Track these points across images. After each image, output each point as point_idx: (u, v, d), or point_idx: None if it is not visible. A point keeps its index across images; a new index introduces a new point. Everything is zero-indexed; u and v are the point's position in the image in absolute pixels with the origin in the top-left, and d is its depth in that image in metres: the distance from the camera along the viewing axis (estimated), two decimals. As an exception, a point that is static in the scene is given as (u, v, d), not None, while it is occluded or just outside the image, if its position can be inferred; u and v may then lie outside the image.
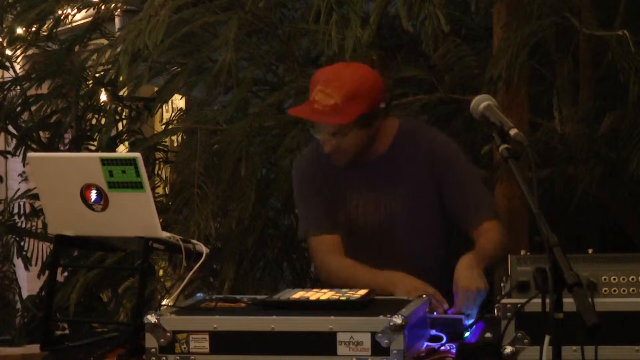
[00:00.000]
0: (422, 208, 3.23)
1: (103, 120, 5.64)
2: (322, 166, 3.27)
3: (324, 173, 3.27)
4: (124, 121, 5.74)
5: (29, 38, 5.43)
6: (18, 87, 5.60)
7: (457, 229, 3.39)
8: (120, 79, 4.63)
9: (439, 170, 3.22)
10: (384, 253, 3.22)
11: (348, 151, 3.15)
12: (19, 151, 5.75)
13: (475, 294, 2.97)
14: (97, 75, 5.28)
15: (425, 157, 3.22)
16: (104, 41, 5.39)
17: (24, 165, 5.83)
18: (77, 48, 5.45)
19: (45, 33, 5.44)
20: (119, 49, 4.47)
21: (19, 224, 5.88)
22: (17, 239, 5.85)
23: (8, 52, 5.64)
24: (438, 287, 3.09)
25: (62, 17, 5.32)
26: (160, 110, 5.41)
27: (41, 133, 5.80)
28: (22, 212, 5.89)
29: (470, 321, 2.87)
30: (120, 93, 5.39)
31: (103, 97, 5.64)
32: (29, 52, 5.81)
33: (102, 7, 5.15)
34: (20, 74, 5.74)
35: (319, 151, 3.26)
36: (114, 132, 5.67)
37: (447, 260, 3.28)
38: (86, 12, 5.39)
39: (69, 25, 5.49)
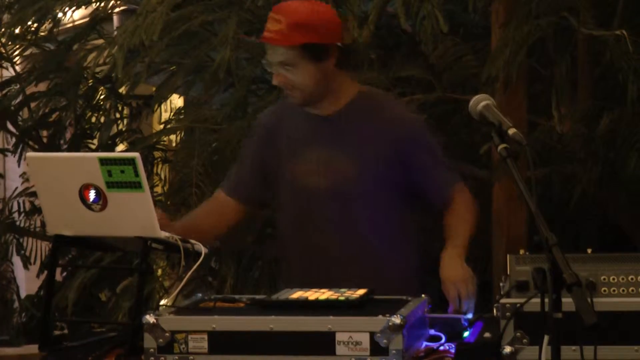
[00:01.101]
0: (375, 172, 3.15)
1: (102, 119, 5.64)
2: (280, 120, 3.25)
3: (280, 127, 3.24)
4: (125, 120, 5.73)
5: (27, 37, 5.44)
6: (17, 85, 5.59)
7: (424, 203, 3.26)
8: (114, 74, 4.62)
9: (402, 141, 3.14)
10: (329, 216, 3.16)
11: (300, 86, 3.10)
12: (18, 150, 5.75)
13: (464, 286, 2.95)
14: (96, 74, 5.28)
15: (388, 123, 3.15)
16: (103, 42, 5.39)
17: (19, 165, 5.83)
18: (75, 47, 5.44)
19: (43, 33, 5.44)
20: (115, 47, 4.47)
21: (19, 222, 5.88)
22: (16, 237, 5.85)
23: (7, 49, 5.64)
24: (386, 262, 3.11)
25: (60, 16, 5.31)
26: (159, 109, 5.41)
27: (40, 132, 5.79)
28: (21, 210, 5.89)
29: (470, 315, 2.86)
30: (120, 90, 5.39)
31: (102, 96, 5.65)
32: (28, 51, 5.81)
33: (101, 6, 5.15)
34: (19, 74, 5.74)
35: (279, 106, 3.29)
36: (114, 131, 5.67)
37: (402, 233, 3.23)
38: (85, 9, 5.39)
39: (69, 25, 5.49)
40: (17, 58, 5.75)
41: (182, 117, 5.26)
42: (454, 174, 3.23)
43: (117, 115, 5.66)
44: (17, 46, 5.58)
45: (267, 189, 3.28)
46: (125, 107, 5.67)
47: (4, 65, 5.75)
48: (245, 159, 3.32)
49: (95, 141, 5.73)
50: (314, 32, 3.07)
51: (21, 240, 5.88)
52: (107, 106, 5.61)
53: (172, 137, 5.63)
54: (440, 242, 3.15)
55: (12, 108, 5.65)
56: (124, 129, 5.74)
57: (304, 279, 3.06)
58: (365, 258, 3.15)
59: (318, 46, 3.08)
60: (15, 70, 5.74)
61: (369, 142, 3.14)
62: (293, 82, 3.10)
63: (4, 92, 5.70)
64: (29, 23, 5.32)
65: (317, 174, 3.16)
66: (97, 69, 5.16)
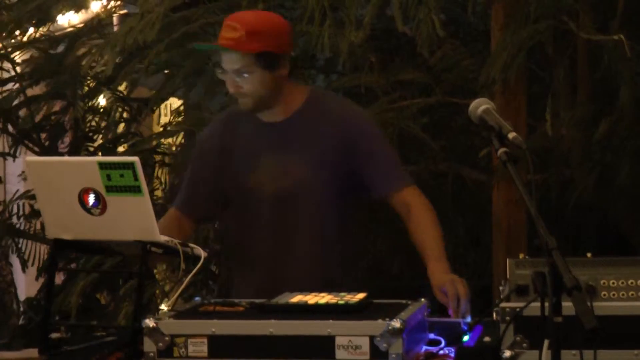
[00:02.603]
0: (329, 174, 3.18)
1: (103, 124, 5.64)
2: (226, 133, 3.26)
3: (229, 139, 3.26)
4: (123, 124, 5.73)
5: (26, 38, 5.44)
6: (16, 86, 5.59)
7: (372, 198, 3.30)
8: (105, 73, 4.62)
9: (349, 137, 3.18)
10: (288, 220, 3.19)
11: (253, 93, 3.13)
12: (17, 152, 5.75)
13: (461, 285, 2.95)
14: (96, 74, 5.28)
15: (335, 123, 3.19)
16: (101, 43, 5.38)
17: (14, 161, 5.83)
18: (74, 48, 5.44)
19: (44, 34, 5.44)
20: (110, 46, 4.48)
21: (18, 225, 5.88)
22: (15, 240, 5.84)
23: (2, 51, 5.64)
24: (337, 257, 3.15)
25: (60, 20, 5.32)
26: (159, 113, 5.41)
27: (41, 134, 5.79)
28: (21, 213, 5.89)
29: (469, 319, 2.86)
30: (120, 88, 5.39)
31: (102, 101, 5.64)
32: (28, 54, 5.81)
33: (101, 11, 5.16)
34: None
35: (230, 113, 3.30)
36: (114, 133, 5.67)
37: (348, 232, 3.26)
38: (85, 12, 5.39)
39: (69, 29, 5.49)
40: (17, 59, 5.74)
41: (181, 118, 5.27)
42: (404, 173, 3.25)
43: (117, 117, 5.66)
44: (18, 51, 5.57)
45: (217, 202, 3.30)
46: (125, 110, 5.66)
47: (5, 67, 5.74)
48: (195, 175, 3.32)
49: (96, 144, 5.73)
50: (270, 40, 3.10)
51: (20, 243, 5.87)
52: (109, 108, 5.61)
53: (172, 140, 5.63)
54: None
55: (13, 111, 5.65)
56: (124, 132, 5.74)
57: (266, 283, 3.10)
58: (324, 257, 3.19)
59: (273, 55, 3.11)
60: (15, 71, 5.74)
61: (319, 144, 3.18)
62: (247, 90, 3.13)
63: (3, 93, 5.70)
64: (29, 27, 5.32)
65: (273, 180, 3.19)
66: (98, 69, 5.16)
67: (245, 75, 3.11)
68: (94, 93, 5.55)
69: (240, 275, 3.33)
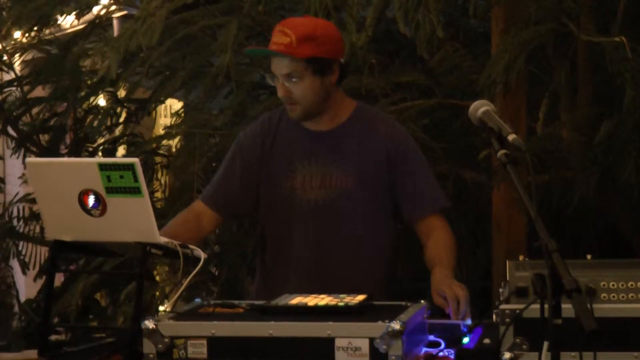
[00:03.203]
0: (371, 188, 3.21)
1: (102, 125, 5.64)
2: (269, 135, 3.27)
3: (271, 141, 3.27)
4: (122, 125, 5.73)
5: (26, 39, 5.44)
6: (17, 89, 5.59)
7: (402, 221, 3.33)
8: (109, 77, 4.62)
9: (394, 157, 3.21)
10: (324, 229, 3.21)
11: (302, 99, 3.14)
12: (18, 154, 5.75)
13: (459, 288, 2.96)
14: (94, 78, 5.28)
15: (381, 141, 3.22)
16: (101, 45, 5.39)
17: (25, 167, 5.83)
18: (75, 49, 5.44)
19: (45, 37, 5.45)
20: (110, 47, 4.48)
21: (18, 228, 5.88)
22: (15, 242, 5.84)
23: (4, 57, 5.64)
24: (379, 273, 3.18)
25: (60, 21, 5.32)
26: (159, 114, 5.41)
27: (41, 136, 5.79)
28: (21, 215, 5.89)
29: (469, 321, 2.86)
30: (118, 93, 5.39)
31: (102, 102, 5.64)
32: (28, 56, 5.81)
33: (101, 13, 5.16)
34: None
35: (272, 117, 3.30)
36: (113, 134, 5.67)
37: (390, 249, 3.29)
38: (85, 14, 5.39)
39: (70, 30, 5.49)
40: (17, 62, 5.75)
41: (181, 120, 5.26)
42: (439, 198, 3.26)
43: (115, 120, 5.66)
44: (16, 50, 5.57)
45: (249, 202, 3.31)
46: (123, 112, 5.66)
47: (5, 68, 5.75)
48: (229, 171, 3.32)
49: (95, 145, 5.73)
50: (321, 46, 3.12)
51: (20, 245, 5.87)
52: (107, 110, 5.61)
53: (172, 142, 5.62)
54: None
55: (14, 113, 5.65)
56: (125, 133, 5.74)
57: (297, 289, 3.08)
58: (360, 270, 3.20)
59: (324, 61, 3.13)
60: (15, 74, 5.74)
61: (364, 158, 3.20)
62: (297, 95, 3.14)
63: (4, 95, 5.70)
64: (32, 29, 5.32)
65: (311, 188, 3.21)
66: (97, 71, 5.16)
67: (295, 80, 3.12)
68: (93, 94, 5.55)
69: (274, 279, 3.31)
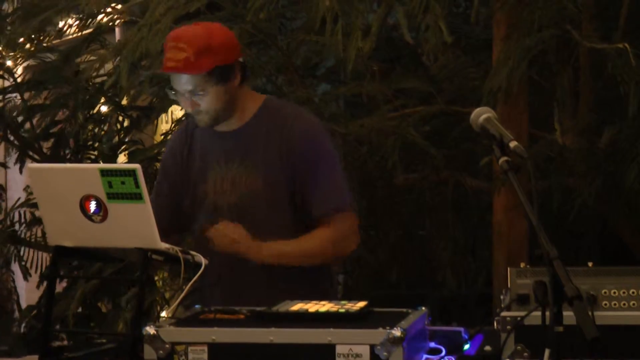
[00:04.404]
0: (278, 187, 3.12)
1: (103, 131, 5.64)
2: (184, 143, 3.23)
3: (186, 149, 3.22)
4: (124, 131, 5.74)
5: (28, 47, 5.45)
6: (18, 98, 5.60)
7: (307, 219, 3.19)
8: (118, 85, 4.63)
9: (299, 152, 3.11)
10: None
11: (210, 109, 3.09)
12: (18, 161, 5.76)
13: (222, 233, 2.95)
14: (96, 84, 5.29)
15: (287, 136, 3.12)
16: (104, 51, 5.40)
17: (20, 173, 5.84)
18: (77, 58, 5.46)
19: (46, 44, 5.46)
20: (118, 58, 4.48)
21: (20, 233, 5.88)
22: (17, 248, 5.85)
23: (8, 62, 5.65)
24: (286, 274, 3.07)
25: (63, 29, 5.33)
26: (161, 122, 5.41)
27: (42, 143, 5.80)
28: (22, 220, 5.89)
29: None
30: (121, 101, 5.40)
31: (104, 108, 5.65)
32: (29, 62, 5.82)
33: (103, 20, 5.17)
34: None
35: (187, 125, 3.25)
36: (115, 141, 5.68)
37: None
38: (87, 23, 5.40)
39: (70, 37, 5.50)
40: (18, 69, 5.75)
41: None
42: (343, 197, 3.14)
43: (118, 127, 5.66)
44: (18, 55, 5.58)
45: (181, 216, 3.24)
46: (125, 119, 5.67)
47: (6, 76, 5.75)
48: (157, 190, 3.29)
49: (97, 152, 5.74)
50: (220, 54, 3.05)
51: (21, 251, 5.88)
52: (109, 117, 5.62)
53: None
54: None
55: (17, 120, 5.66)
56: (125, 140, 5.74)
57: (219, 293, 3.09)
58: (270, 273, 3.11)
59: (224, 68, 3.07)
60: (15, 81, 5.74)
61: (272, 154, 3.13)
62: (204, 107, 3.08)
63: (4, 102, 5.70)
64: (31, 35, 5.33)
65: (224, 191, 3.15)
66: (98, 79, 5.17)
67: (200, 93, 3.06)
68: (95, 102, 5.56)
69: (201, 288, 3.22)
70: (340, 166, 3.20)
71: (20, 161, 5.75)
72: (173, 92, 3.11)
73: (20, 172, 5.76)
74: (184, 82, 3.06)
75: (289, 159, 3.12)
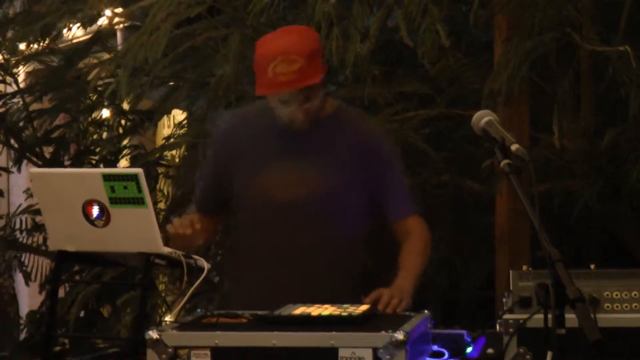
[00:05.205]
0: (347, 187, 3.12)
1: (104, 134, 5.65)
2: (239, 132, 3.20)
3: (242, 139, 3.19)
4: (126, 138, 5.74)
5: (30, 51, 5.46)
6: (20, 102, 5.61)
7: (380, 223, 3.23)
8: (118, 93, 4.63)
9: (374, 156, 3.13)
10: (300, 230, 3.11)
11: (315, 112, 3.07)
12: (18, 165, 5.76)
13: (384, 297, 2.90)
14: (99, 89, 5.29)
15: (361, 140, 3.14)
16: (106, 55, 5.40)
17: (19, 172, 5.85)
18: (80, 62, 5.46)
19: (46, 47, 5.46)
20: (119, 63, 4.49)
21: (21, 239, 5.88)
22: (18, 254, 5.85)
23: (11, 66, 5.66)
24: (347, 276, 3.08)
25: (64, 32, 5.34)
26: (162, 126, 5.41)
27: (44, 148, 5.80)
28: (24, 227, 5.89)
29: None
30: (123, 105, 5.41)
31: (106, 112, 5.65)
32: (31, 67, 5.83)
33: (105, 24, 5.18)
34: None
35: (240, 116, 3.22)
36: (116, 146, 5.68)
37: (364, 246, 3.22)
38: (89, 28, 5.41)
39: (71, 42, 5.51)
40: (20, 73, 5.76)
41: (184, 130, 5.28)
42: (414, 203, 3.19)
43: (121, 131, 5.67)
44: (22, 63, 5.59)
45: (227, 201, 3.22)
46: (127, 123, 5.67)
47: (9, 80, 5.76)
48: (206, 174, 3.28)
49: (98, 157, 5.74)
50: (322, 57, 3.05)
51: (23, 257, 5.88)
52: (110, 122, 5.62)
53: (175, 152, 5.64)
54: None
55: (19, 124, 5.67)
56: (126, 145, 5.75)
57: (268, 289, 3.05)
58: (333, 269, 3.11)
59: (325, 69, 3.07)
60: (18, 86, 5.75)
61: (341, 155, 3.12)
62: (314, 112, 3.06)
63: (6, 107, 5.71)
64: (32, 39, 5.33)
65: (285, 185, 3.12)
66: (100, 82, 5.17)
67: (313, 99, 3.03)
68: (97, 106, 5.56)
69: (236, 279, 3.25)
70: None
71: (18, 162, 5.75)
72: (283, 105, 3.03)
73: (19, 171, 5.76)
74: (296, 94, 3.00)
75: (361, 162, 3.11)
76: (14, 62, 5.58)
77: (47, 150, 5.81)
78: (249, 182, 3.16)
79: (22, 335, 6.23)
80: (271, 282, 3.11)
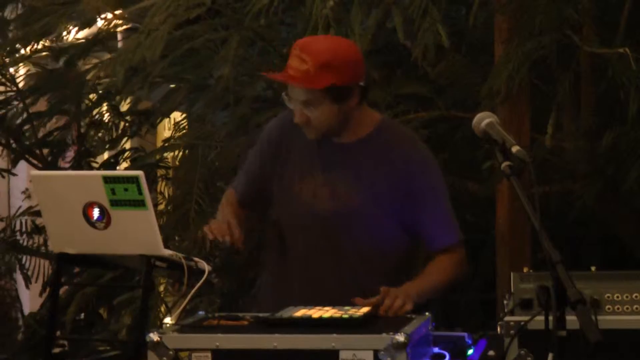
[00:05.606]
0: (380, 206, 3.10)
1: (104, 137, 5.65)
2: (289, 134, 3.20)
3: (290, 142, 3.20)
4: (125, 139, 5.74)
5: (30, 53, 5.46)
6: (20, 105, 5.61)
7: (420, 246, 3.24)
8: (114, 91, 4.64)
9: (412, 182, 3.10)
10: (330, 244, 3.12)
11: (319, 125, 3.07)
12: (14, 165, 5.77)
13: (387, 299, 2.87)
14: (97, 87, 5.29)
15: (400, 161, 3.11)
16: (107, 55, 5.40)
17: (14, 167, 5.85)
18: (80, 63, 5.46)
19: (46, 53, 5.46)
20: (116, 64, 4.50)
21: (21, 242, 5.88)
22: (18, 257, 5.85)
23: (10, 70, 5.66)
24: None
25: (64, 35, 5.34)
26: (163, 128, 5.41)
27: (43, 150, 5.80)
28: (24, 229, 5.89)
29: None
30: (120, 107, 5.41)
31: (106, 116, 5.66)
32: (31, 70, 5.83)
33: (105, 25, 5.18)
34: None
35: (290, 120, 3.18)
36: (117, 149, 5.69)
37: (397, 265, 3.16)
38: (88, 30, 5.41)
39: (71, 42, 5.51)
40: (19, 76, 5.76)
41: (183, 132, 5.28)
42: (454, 230, 3.15)
43: (119, 132, 5.67)
44: (21, 65, 5.59)
45: (264, 199, 3.24)
46: (126, 125, 5.67)
47: (8, 85, 5.76)
48: (250, 165, 3.29)
49: (99, 159, 5.74)
50: (340, 74, 3.01)
51: (23, 259, 5.88)
52: (108, 123, 5.62)
53: (174, 154, 5.63)
54: None
55: (19, 127, 5.67)
56: (127, 148, 5.75)
57: (298, 296, 3.03)
58: (359, 284, 3.08)
59: (342, 88, 3.03)
60: (18, 88, 5.75)
61: (380, 175, 3.11)
62: (314, 122, 3.06)
63: (5, 109, 5.71)
64: (32, 39, 5.34)
65: (322, 198, 3.13)
66: (99, 83, 5.17)
67: (313, 107, 3.03)
68: (96, 107, 5.56)
69: (279, 275, 3.24)
70: (448, 198, 3.18)
71: (15, 163, 5.75)
72: (287, 99, 3.08)
73: (14, 166, 5.77)
74: (299, 93, 3.03)
75: (400, 186, 3.09)
76: (8, 61, 5.57)
77: (47, 153, 5.82)
78: (287, 187, 3.18)
79: (22, 337, 6.23)
80: (317, 284, 3.11)
